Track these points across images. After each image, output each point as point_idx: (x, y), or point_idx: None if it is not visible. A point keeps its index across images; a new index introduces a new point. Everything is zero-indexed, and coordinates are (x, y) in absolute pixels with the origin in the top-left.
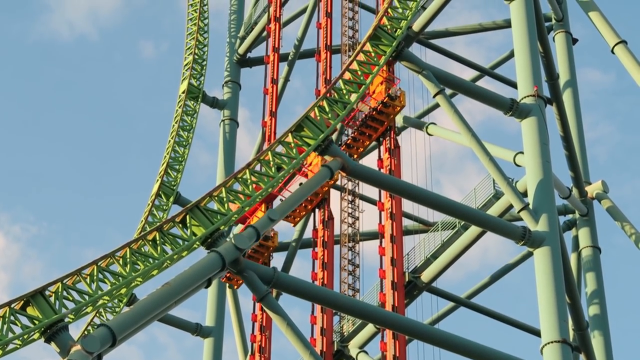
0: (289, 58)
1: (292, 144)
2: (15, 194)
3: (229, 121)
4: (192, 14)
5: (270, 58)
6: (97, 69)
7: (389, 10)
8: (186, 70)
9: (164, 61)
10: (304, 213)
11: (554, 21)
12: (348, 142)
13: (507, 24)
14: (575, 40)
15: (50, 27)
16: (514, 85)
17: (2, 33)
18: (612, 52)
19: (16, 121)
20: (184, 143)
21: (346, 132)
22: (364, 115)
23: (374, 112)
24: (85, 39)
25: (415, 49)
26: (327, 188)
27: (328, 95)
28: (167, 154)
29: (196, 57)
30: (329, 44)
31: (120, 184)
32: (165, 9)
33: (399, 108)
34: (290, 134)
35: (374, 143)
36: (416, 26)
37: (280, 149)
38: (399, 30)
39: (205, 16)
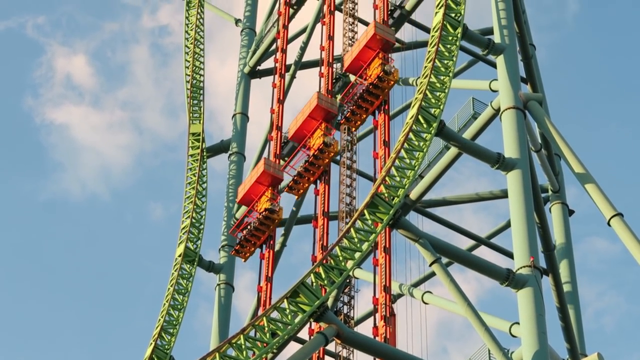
0: (286, 224)
1: (288, 310)
2: (19, 352)
3: (224, 285)
4: (191, 178)
5: None
6: (107, 229)
7: (387, 178)
8: (183, 234)
9: (173, 223)
10: (307, 185)
11: (550, 192)
12: (347, 115)
13: (505, 194)
14: (571, 212)
15: (62, 186)
16: (511, 255)
17: (14, 191)
18: (609, 224)
19: (25, 279)
20: (179, 306)
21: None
22: (361, 90)
23: (371, 87)
24: (97, 198)
25: (413, 216)
26: (328, 160)
27: (324, 262)
28: (162, 317)
29: (194, 220)
30: (326, 210)
31: (128, 344)
32: (175, 171)
33: (392, 82)
34: (285, 300)
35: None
36: (413, 194)
37: (275, 314)
38: (396, 198)
39: (204, 180)
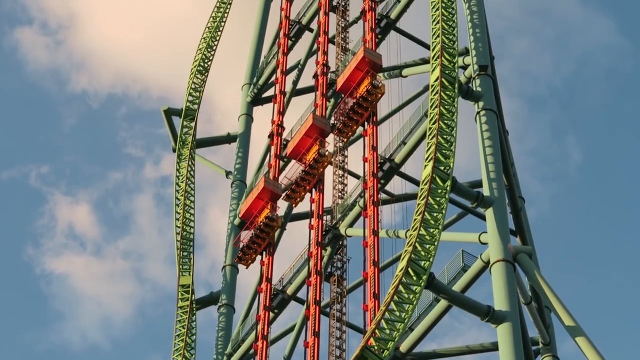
0: None
1: None
2: None
3: None
4: (180, 330)
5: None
6: None
7: (377, 331)
8: None
9: None
10: (304, 194)
11: (541, 345)
12: (340, 127)
13: (495, 347)
14: None
15: (63, 336)
16: None
17: (14, 341)
18: None
19: None
20: None
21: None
22: (351, 104)
23: (361, 100)
24: (98, 348)
25: None
26: (322, 170)
27: None
28: None
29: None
30: None
31: None
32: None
33: (380, 95)
34: None
35: None
36: (404, 347)
37: None
38: (386, 351)
39: (194, 332)
